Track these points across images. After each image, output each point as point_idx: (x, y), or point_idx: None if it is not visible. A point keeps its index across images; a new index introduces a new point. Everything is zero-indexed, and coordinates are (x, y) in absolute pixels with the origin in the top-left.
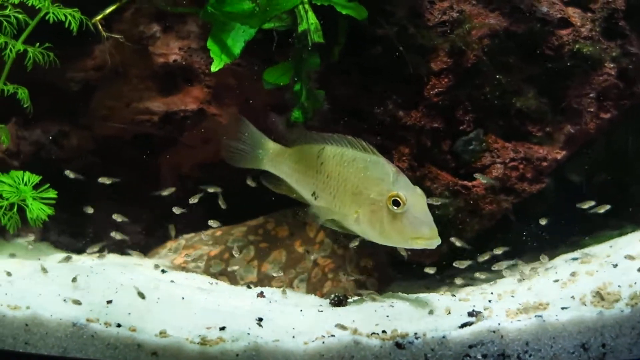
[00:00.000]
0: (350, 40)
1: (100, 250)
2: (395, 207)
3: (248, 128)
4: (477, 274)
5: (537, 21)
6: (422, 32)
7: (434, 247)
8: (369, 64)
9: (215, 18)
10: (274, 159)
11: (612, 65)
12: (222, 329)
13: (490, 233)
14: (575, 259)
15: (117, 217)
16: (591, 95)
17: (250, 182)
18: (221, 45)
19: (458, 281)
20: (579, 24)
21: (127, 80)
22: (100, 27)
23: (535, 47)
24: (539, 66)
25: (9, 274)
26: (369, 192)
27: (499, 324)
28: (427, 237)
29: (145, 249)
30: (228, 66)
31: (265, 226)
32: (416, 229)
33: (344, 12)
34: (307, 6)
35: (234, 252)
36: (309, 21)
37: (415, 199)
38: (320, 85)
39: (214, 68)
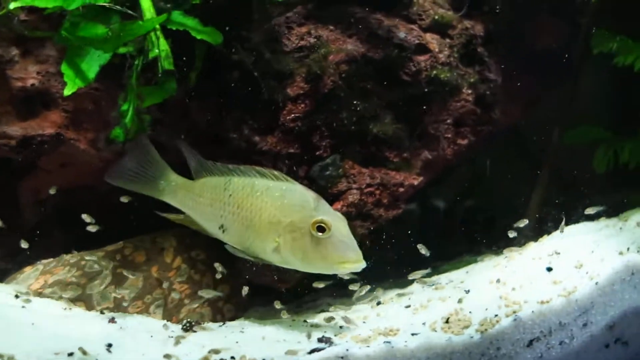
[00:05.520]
0: (207, 65)
1: None
2: (321, 233)
3: (152, 155)
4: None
5: (395, 47)
6: (279, 57)
7: (359, 269)
8: (226, 89)
9: (69, 42)
10: (176, 191)
11: (469, 92)
12: (71, 354)
13: None
14: (431, 284)
15: None
16: (448, 121)
17: (124, 199)
18: (76, 69)
19: (315, 307)
20: (436, 50)
21: None
22: None
23: (393, 72)
24: (397, 92)
25: None
26: (290, 219)
27: (347, 350)
28: (353, 261)
29: (5, 274)
30: (85, 90)
31: (123, 251)
32: (343, 254)
33: (198, 37)
34: (159, 33)
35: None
36: (160, 48)
37: (339, 224)
38: (178, 110)
39: (66, 92)
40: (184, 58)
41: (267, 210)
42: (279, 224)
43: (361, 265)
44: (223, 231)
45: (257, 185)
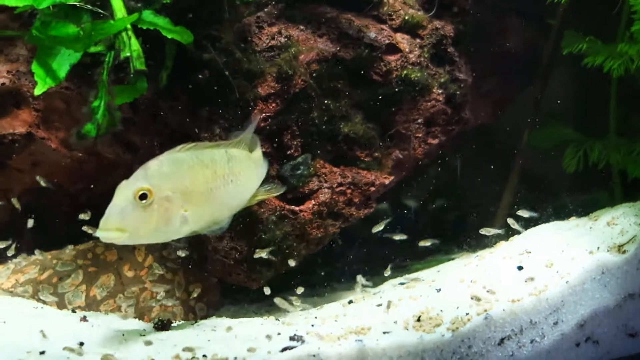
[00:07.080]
0: (178, 64)
1: None
2: None
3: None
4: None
5: (365, 47)
6: (250, 56)
7: (102, 239)
8: (196, 89)
9: (40, 42)
10: None
11: (440, 91)
12: (42, 353)
13: (320, 256)
14: (402, 283)
15: None
16: (419, 121)
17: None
18: (46, 68)
19: (286, 305)
20: (407, 50)
21: None
22: None
23: (363, 72)
24: (368, 92)
25: None
26: None
27: (319, 348)
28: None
29: None
30: (56, 89)
31: (95, 250)
32: None
33: (169, 37)
34: (130, 32)
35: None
36: (132, 48)
37: (123, 187)
38: (149, 109)
39: (37, 91)
40: (155, 57)
41: None
42: None
43: (99, 233)
44: None
45: None
